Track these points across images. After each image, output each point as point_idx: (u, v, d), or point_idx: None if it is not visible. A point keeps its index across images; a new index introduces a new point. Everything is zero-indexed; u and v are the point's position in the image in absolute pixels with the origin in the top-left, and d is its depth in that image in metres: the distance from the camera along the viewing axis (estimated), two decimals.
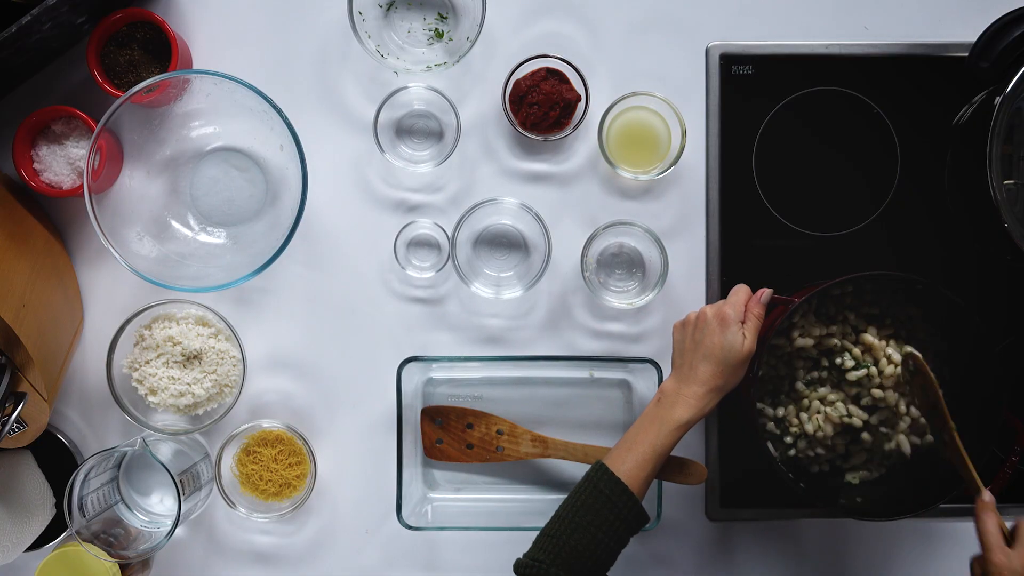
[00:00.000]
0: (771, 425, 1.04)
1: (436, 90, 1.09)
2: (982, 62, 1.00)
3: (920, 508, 0.99)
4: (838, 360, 1.01)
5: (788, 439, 1.04)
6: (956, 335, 1.02)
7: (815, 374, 1.03)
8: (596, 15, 1.14)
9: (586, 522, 0.92)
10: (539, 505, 1.14)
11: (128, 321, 1.08)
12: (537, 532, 0.95)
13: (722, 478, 1.14)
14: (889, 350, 1.01)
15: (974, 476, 0.94)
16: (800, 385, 1.03)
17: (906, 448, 1.01)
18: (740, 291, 1.01)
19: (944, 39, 1.13)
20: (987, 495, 0.93)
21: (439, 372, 1.15)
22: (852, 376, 1.00)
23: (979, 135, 0.99)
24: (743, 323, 0.98)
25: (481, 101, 1.14)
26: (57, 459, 1.13)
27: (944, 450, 0.98)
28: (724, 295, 1.13)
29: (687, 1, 1.14)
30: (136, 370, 1.09)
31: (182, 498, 1.04)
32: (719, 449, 1.14)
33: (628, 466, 0.94)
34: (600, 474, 0.94)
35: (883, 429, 1.01)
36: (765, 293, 1.00)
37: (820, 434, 1.01)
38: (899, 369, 1.00)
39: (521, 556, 0.93)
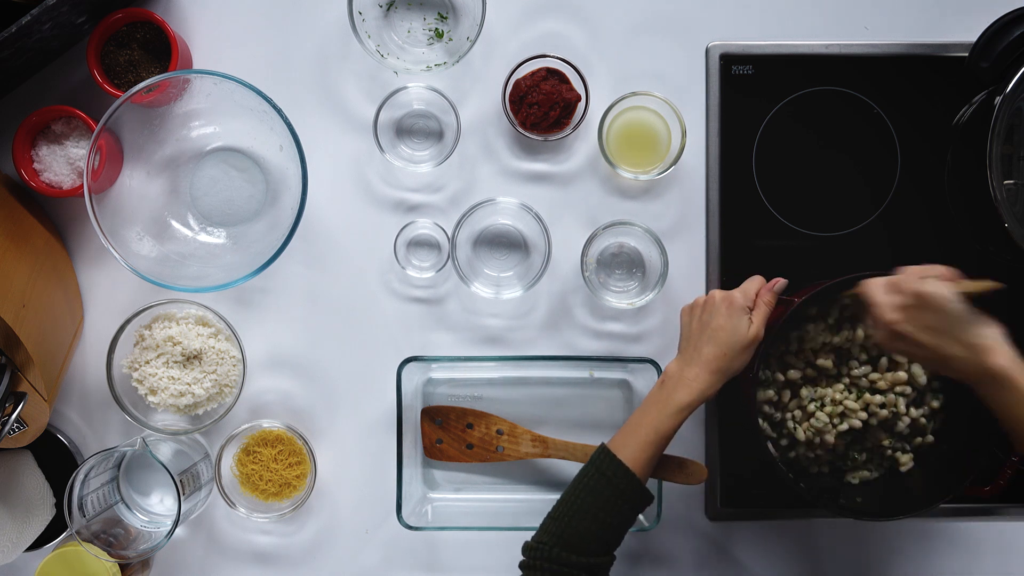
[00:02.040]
0: (771, 425, 1.04)
1: (436, 90, 1.09)
2: (982, 62, 1.00)
3: (920, 508, 0.99)
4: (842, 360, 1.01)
5: (788, 440, 1.04)
6: None
7: (813, 372, 1.03)
8: (596, 15, 1.14)
9: (589, 503, 0.93)
10: (539, 505, 1.13)
11: (128, 321, 1.08)
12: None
13: (722, 478, 1.14)
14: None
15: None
16: (802, 389, 1.03)
17: (907, 465, 1.02)
18: (754, 280, 1.02)
19: (944, 39, 1.13)
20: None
21: (439, 372, 1.15)
22: (857, 371, 1.01)
23: (979, 135, 0.99)
24: (752, 310, 0.98)
25: (481, 101, 1.14)
26: (57, 459, 1.13)
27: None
28: None
29: (687, 1, 1.14)
30: (136, 370, 1.09)
31: (182, 498, 1.04)
32: (719, 449, 1.14)
33: (630, 449, 0.94)
34: (603, 456, 0.95)
35: (883, 432, 1.02)
36: (779, 283, 1.01)
37: (819, 436, 1.01)
38: (899, 372, 1.00)
39: (528, 539, 0.95)
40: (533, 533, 0.95)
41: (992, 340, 0.85)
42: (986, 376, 0.84)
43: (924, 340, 0.86)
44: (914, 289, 0.86)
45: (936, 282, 0.87)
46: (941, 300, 0.85)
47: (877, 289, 0.90)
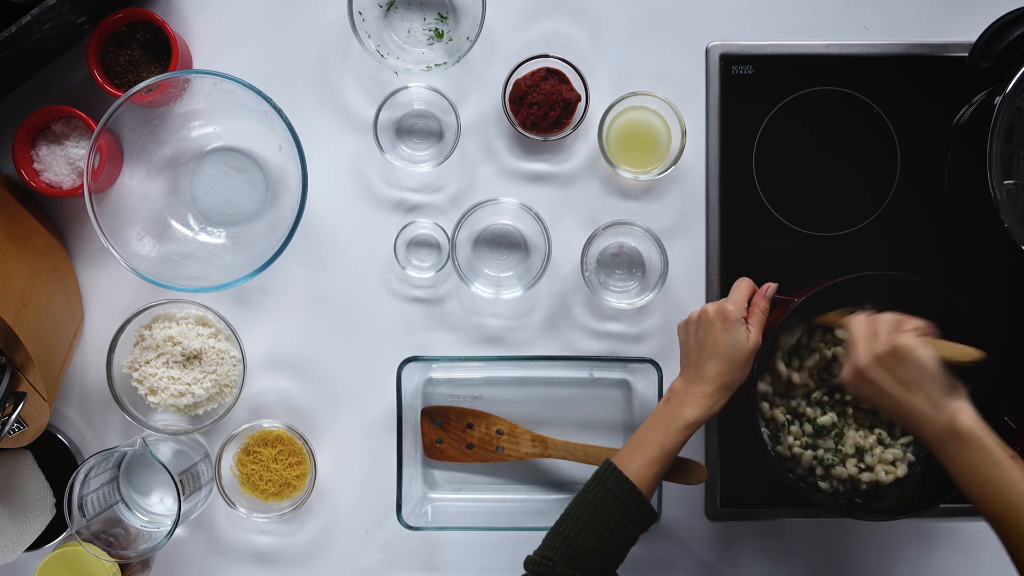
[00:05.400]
0: (771, 425, 1.04)
1: (436, 90, 1.09)
2: (982, 62, 1.00)
3: (920, 508, 0.99)
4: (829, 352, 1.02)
5: (787, 439, 1.04)
6: (956, 335, 1.02)
7: (810, 369, 1.03)
8: (596, 15, 1.14)
9: (594, 520, 0.92)
10: (539, 505, 1.14)
11: (128, 321, 1.08)
12: (537, 531, 0.95)
13: (722, 478, 1.14)
14: None
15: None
16: (799, 387, 1.03)
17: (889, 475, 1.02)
18: (742, 286, 1.01)
19: (944, 39, 1.14)
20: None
21: (439, 372, 1.15)
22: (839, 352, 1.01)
23: (979, 135, 1.00)
24: (747, 318, 0.97)
25: (481, 101, 1.14)
26: (57, 459, 1.13)
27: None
28: (725, 295, 1.13)
29: (687, 1, 1.14)
30: (136, 370, 1.09)
31: (182, 498, 1.04)
32: (719, 449, 1.14)
33: (636, 465, 0.94)
34: (608, 472, 0.94)
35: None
36: (771, 288, 1.00)
37: (817, 431, 1.01)
38: None
39: (531, 553, 0.94)
40: (533, 534, 0.95)
41: (960, 401, 0.87)
42: (951, 435, 0.86)
43: (891, 391, 0.88)
44: (893, 341, 0.88)
45: (916, 338, 0.88)
46: (918, 358, 0.87)
47: (859, 327, 0.91)
